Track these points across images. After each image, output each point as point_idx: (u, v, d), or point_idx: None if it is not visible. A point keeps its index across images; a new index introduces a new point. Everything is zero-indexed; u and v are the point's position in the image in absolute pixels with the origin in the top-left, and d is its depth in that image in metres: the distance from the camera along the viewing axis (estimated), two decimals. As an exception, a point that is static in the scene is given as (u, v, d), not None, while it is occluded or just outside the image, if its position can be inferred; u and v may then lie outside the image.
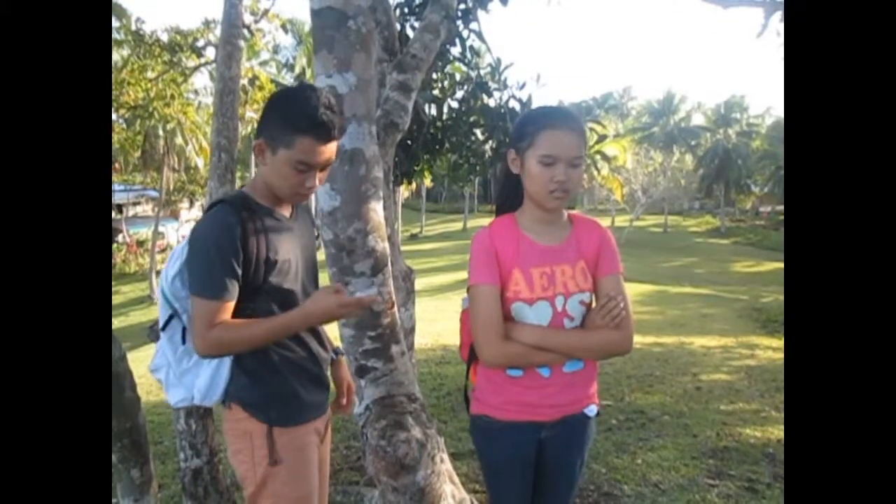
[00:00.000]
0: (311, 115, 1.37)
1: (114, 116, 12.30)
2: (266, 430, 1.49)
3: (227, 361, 1.51)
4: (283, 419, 1.52)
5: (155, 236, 24.51)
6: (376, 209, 2.01)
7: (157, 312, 1.57)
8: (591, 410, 1.64)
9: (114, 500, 2.15)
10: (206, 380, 1.52)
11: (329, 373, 1.71)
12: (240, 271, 1.41)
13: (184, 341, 1.54)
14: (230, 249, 1.39)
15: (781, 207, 39.70)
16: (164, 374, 1.58)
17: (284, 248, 1.50)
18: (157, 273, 20.02)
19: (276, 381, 1.51)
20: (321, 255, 1.82)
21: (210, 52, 9.84)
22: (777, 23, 5.43)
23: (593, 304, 1.59)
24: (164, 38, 10.06)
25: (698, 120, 51.15)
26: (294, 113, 1.38)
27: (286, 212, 1.56)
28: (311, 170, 1.44)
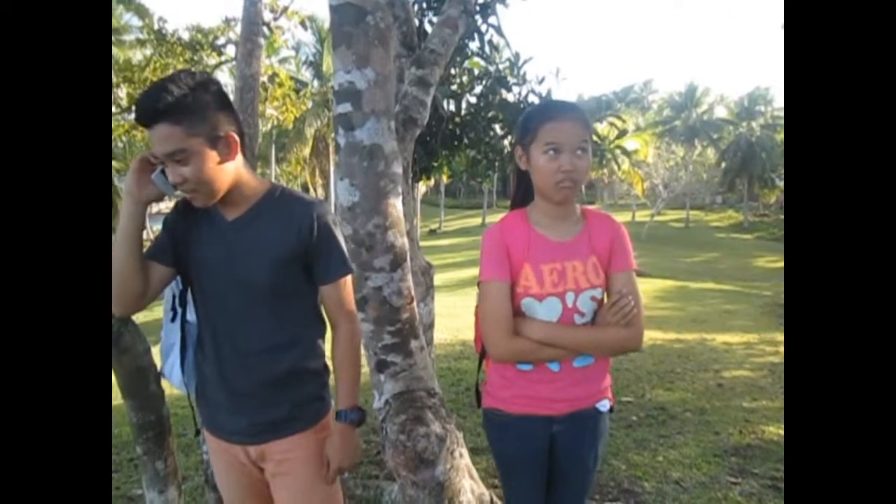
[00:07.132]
0: (138, 102, 1.28)
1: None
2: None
3: (177, 348, 1.55)
4: (203, 418, 1.59)
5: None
6: (395, 204, 2.01)
7: None
8: (604, 405, 1.63)
9: (138, 492, 2.20)
10: (171, 359, 1.58)
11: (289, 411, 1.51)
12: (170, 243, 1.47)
13: (173, 319, 1.57)
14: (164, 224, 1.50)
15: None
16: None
17: (202, 247, 1.44)
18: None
19: (198, 381, 1.57)
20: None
21: (230, 50, 9.94)
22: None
23: (605, 301, 1.58)
24: (186, 36, 10.17)
25: (721, 113, 50.28)
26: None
27: (232, 214, 1.44)
28: (165, 161, 1.32)
